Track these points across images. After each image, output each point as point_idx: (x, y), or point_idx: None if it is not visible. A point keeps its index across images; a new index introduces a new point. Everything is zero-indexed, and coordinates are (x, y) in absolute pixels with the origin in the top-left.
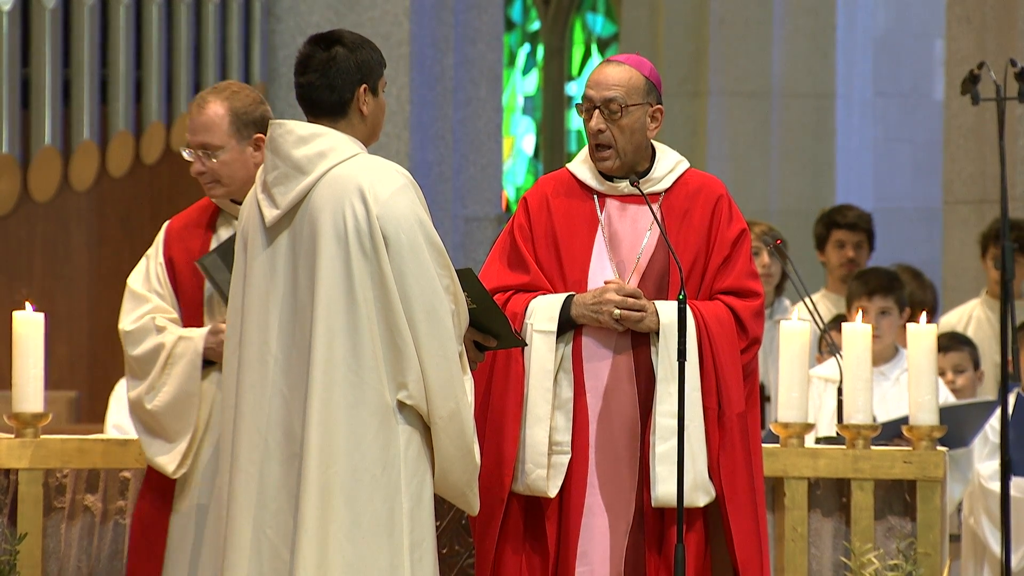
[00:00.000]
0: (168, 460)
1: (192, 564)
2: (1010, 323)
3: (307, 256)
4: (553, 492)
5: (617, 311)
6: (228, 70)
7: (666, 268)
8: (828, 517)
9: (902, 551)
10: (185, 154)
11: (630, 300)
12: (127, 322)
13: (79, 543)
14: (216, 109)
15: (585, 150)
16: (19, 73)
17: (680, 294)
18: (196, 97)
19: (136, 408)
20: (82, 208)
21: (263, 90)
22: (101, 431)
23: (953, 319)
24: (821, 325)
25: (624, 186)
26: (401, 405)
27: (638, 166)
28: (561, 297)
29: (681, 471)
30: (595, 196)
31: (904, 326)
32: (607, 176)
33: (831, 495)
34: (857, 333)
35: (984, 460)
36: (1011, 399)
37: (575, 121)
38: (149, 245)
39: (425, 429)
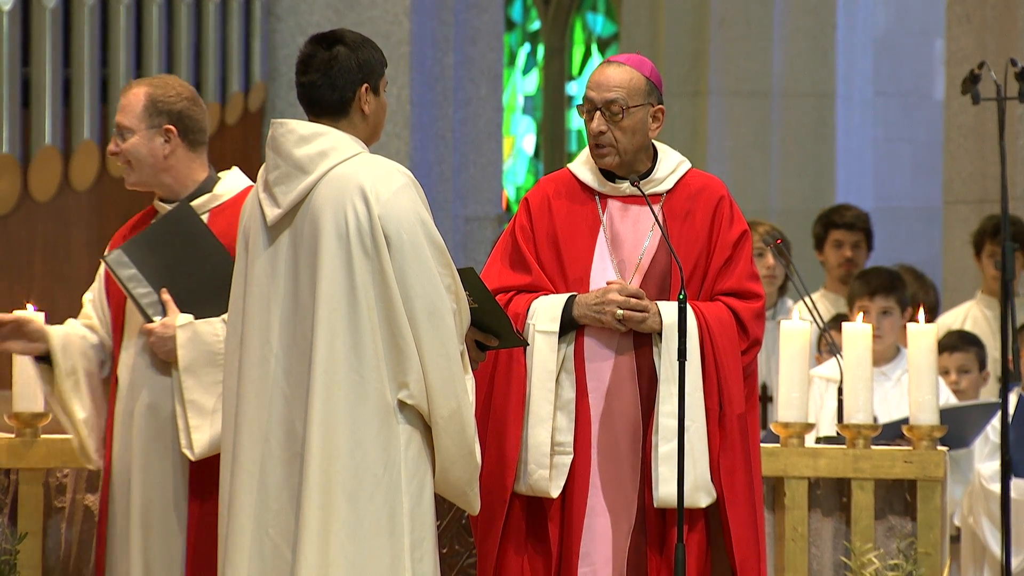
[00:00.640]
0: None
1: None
2: (1010, 323)
3: (308, 255)
4: (555, 492)
5: (620, 311)
6: (228, 70)
7: (668, 269)
8: (828, 517)
9: (902, 551)
10: None
11: (633, 300)
12: None
13: (79, 543)
14: (136, 92)
15: (586, 151)
16: (19, 73)
17: (680, 294)
18: None
19: None
20: (83, 208)
21: (264, 89)
22: None
23: (951, 319)
24: (821, 325)
25: (626, 187)
26: (401, 405)
27: (639, 166)
28: (563, 297)
29: (681, 471)
30: (597, 197)
31: (906, 326)
32: (609, 177)
33: (831, 495)
34: (857, 333)
35: (984, 460)
36: (1012, 399)
37: (575, 121)
38: None
39: (425, 428)
